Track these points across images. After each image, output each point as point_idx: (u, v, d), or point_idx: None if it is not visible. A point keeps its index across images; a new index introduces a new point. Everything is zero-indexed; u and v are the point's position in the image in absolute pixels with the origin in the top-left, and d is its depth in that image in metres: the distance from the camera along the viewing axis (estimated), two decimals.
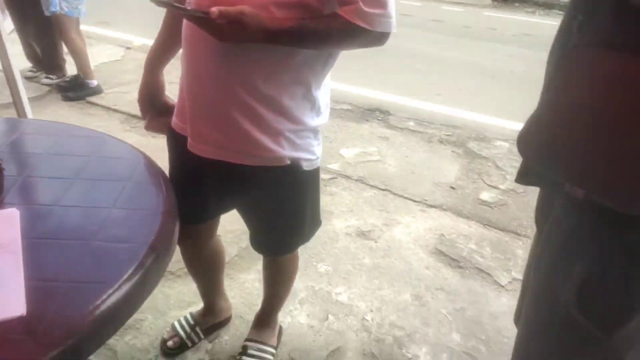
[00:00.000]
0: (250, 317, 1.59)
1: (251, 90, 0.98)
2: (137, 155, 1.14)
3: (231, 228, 1.98)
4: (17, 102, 2.23)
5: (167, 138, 1.20)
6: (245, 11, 0.87)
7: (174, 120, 1.15)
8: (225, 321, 1.59)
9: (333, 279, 1.85)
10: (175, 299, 1.69)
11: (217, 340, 1.55)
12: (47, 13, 3.10)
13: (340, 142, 3.06)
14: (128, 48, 4.52)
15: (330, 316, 1.67)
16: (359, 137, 3.17)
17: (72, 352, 0.66)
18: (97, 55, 4.04)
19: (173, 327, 1.53)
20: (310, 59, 1.00)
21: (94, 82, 3.41)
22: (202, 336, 1.53)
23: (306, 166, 1.11)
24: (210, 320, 1.55)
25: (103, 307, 0.71)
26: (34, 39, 3.46)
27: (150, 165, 1.10)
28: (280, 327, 1.57)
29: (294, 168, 1.09)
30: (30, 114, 2.27)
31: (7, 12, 3.27)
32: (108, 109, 3.26)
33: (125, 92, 3.52)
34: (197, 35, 0.96)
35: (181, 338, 1.49)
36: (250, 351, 1.44)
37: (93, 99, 3.37)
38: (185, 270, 1.61)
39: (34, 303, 0.70)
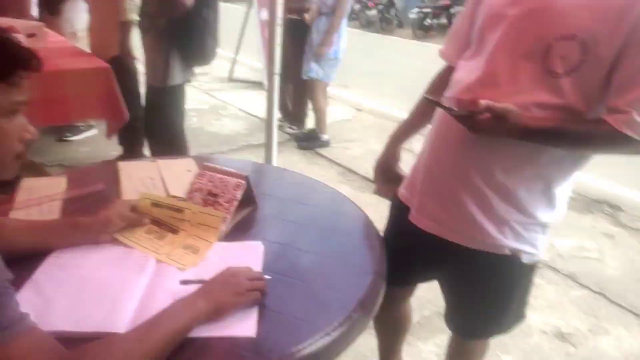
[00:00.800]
0: None
1: (487, 178, 1.02)
2: (360, 215, 1.29)
3: (416, 294, 2.00)
4: (268, 145, 2.73)
5: (391, 204, 1.33)
6: (511, 109, 0.91)
7: (402, 190, 1.27)
8: None
9: None
10: (353, 350, 1.76)
11: None
12: (304, 77, 3.73)
13: (555, 231, 2.80)
14: (358, 110, 5.06)
15: None
16: (578, 229, 2.86)
17: None
18: (333, 114, 4.63)
19: None
20: (560, 157, 0.99)
21: (325, 137, 3.92)
22: None
23: (525, 259, 1.09)
24: None
25: (312, 347, 0.83)
26: (288, 96, 4.18)
27: (370, 226, 1.24)
28: None
29: (512, 259, 1.08)
30: (275, 156, 2.74)
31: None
32: (331, 161, 3.69)
33: (347, 149, 3.94)
34: (448, 121, 1.04)
35: None
36: None
37: (321, 150, 3.87)
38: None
39: (262, 328, 0.86)
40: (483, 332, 1.26)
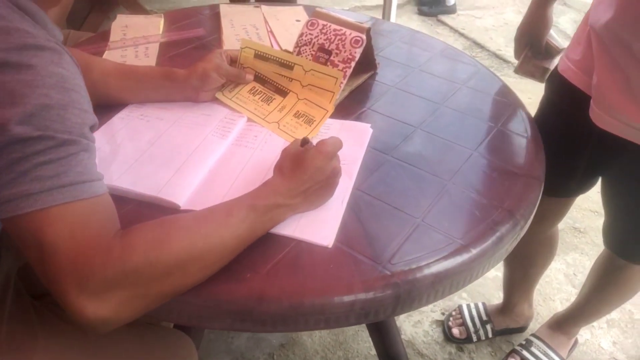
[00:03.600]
0: (542, 309, 1.39)
1: None
2: (511, 98, 0.99)
3: None
4: (386, 6, 2.37)
5: (550, 84, 1.02)
6: None
7: (570, 66, 0.94)
8: (522, 328, 1.38)
9: None
10: None
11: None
12: None
13: None
14: None
15: None
16: None
17: (405, 299, 0.62)
18: None
19: (461, 312, 1.39)
20: None
21: (451, 1, 3.35)
22: (490, 335, 1.35)
23: None
24: (505, 322, 1.36)
25: (447, 262, 0.63)
26: None
27: (525, 116, 0.95)
28: (576, 340, 1.31)
29: None
30: (393, 19, 2.39)
31: None
32: (455, 31, 3.18)
33: (477, 17, 3.35)
34: None
35: (468, 331, 1.35)
36: (533, 349, 1.25)
37: (444, 17, 3.34)
38: None
39: (380, 228, 0.68)
40: None
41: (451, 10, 3.36)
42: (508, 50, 2.93)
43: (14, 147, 0.46)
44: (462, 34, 3.13)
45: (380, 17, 2.51)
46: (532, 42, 1.06)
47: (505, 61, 2.81)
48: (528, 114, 0.95)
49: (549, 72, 1.05)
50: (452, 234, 0.67)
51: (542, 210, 1.08)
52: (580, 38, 0.93)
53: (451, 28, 3.21)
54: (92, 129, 0.53)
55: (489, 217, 0.71)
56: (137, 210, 0.66)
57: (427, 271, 0.62)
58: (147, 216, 0.65)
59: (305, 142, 0.67)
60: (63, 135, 0.48)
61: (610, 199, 0.99)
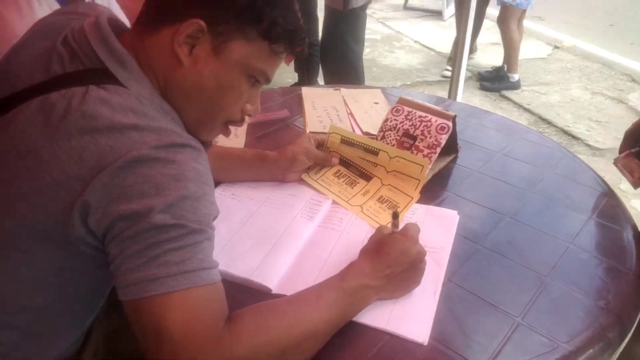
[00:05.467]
0: None
1: None
2: (602, 187, 0.96)
3: None
4: (453, 83, 2.40)
5: None
6: None
7: None
8: None
9: None
10: None
11: None
12: (498, 3, 3.19)
13: None
14: (556, 47, 4.26)
15: None
16: None
17: None
18: (524, 50, 3.96)
19: None
20: None
21: (515, 77, 3.37)
22: None
23: None
24: None
25: None
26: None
27: (621, 207, 0.90)
28: None
29: None
30: (460, 94, 2.41)
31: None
32: (520, 106, 3.17)
33: (542, 93, 3.34)
34: None
35: None
36: None
37: (508, 93, 3.34)
38: None
39: (465, 331, 0.65)
40: None
41: (515, 86, 3.36)
42: (577, 127, 2.86)
43: (150, 233, 0.49)
44: (527, 109, 3.11)
45: (440, 92, 2.56)
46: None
47: (575, 137, 2.74)
48: (623, 205, 0.91)
49: None
50: (556, 337, 0.63)
51: None
52: None
53: (515, 103, 3.20)
54: (214, 219, 0.56)
55: (595, 320, 0.66)
56: (230, 292, 0.67)
57: None
58: (240, 299, 0.66)
59: (395, 215, 0.68)
60: (194, 225, 0.51)
61: None
